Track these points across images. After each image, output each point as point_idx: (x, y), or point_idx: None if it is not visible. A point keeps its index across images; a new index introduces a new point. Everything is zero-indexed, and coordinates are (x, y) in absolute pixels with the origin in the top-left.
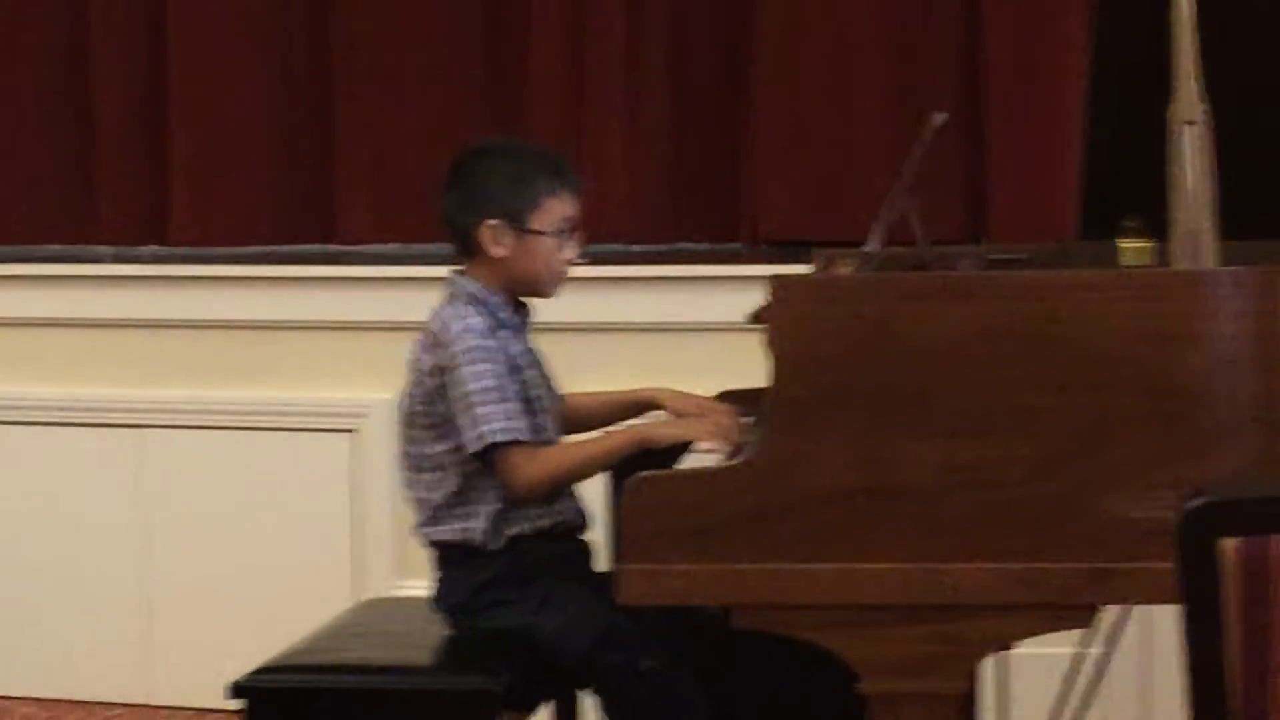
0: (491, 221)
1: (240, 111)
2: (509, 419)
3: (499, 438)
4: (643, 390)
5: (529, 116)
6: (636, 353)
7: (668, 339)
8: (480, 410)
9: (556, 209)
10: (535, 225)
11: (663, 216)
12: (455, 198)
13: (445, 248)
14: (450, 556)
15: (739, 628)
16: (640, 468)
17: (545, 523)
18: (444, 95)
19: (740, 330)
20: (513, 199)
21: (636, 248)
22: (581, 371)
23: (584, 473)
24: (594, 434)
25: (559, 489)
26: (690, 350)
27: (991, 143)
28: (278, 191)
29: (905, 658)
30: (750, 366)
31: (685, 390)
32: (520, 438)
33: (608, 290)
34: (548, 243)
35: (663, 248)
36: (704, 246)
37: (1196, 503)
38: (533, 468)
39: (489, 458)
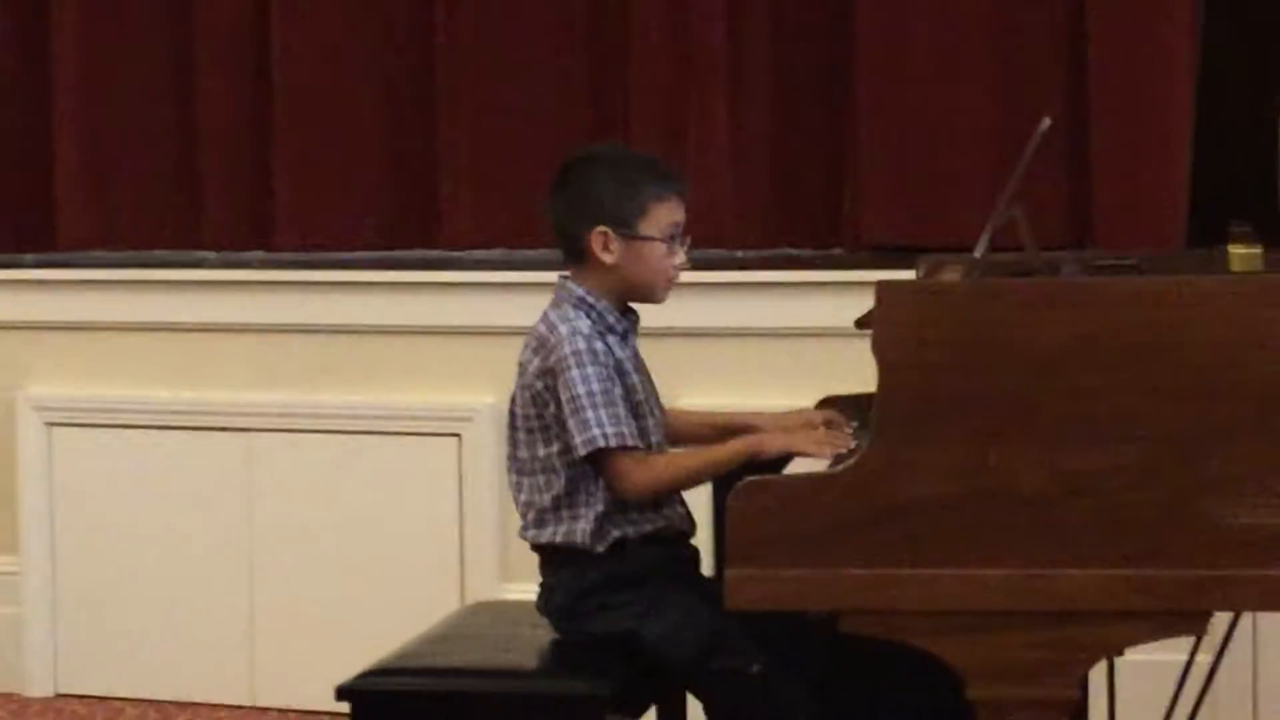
0: (600, 228)
1: (344, 117)
2: (617, 424)
3: (608, 442)
4: (745, 418)
5: (632, 123)
6: (740, 357)
7: (771, 344)
8: (589, 414)
9: (664, 214)
10: (644, 231)
11: (766, 222)
12: (563, 204)
13: (548, 253)
14: (556, 560)
15: (846, 632)
16: (745, 475)
17: (651, 527)
18: (547, 101)
19: (843, 335)
20: (621, 205)
21: (739, 253)
22: (684, 376)
23: (691, 482)
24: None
25: (659, 495)
26: (794, 355)
27: (1095, 149)
28: (381, 197)
29: (1014, 664)
30: (853, 371)
31: (791, 402)
32: (628, 443)
33: (710, 295)
34: (657, 248)
35: (765, 253)
36: (807, 252)
37: None
38: (640, 474)
39: (597, 461)
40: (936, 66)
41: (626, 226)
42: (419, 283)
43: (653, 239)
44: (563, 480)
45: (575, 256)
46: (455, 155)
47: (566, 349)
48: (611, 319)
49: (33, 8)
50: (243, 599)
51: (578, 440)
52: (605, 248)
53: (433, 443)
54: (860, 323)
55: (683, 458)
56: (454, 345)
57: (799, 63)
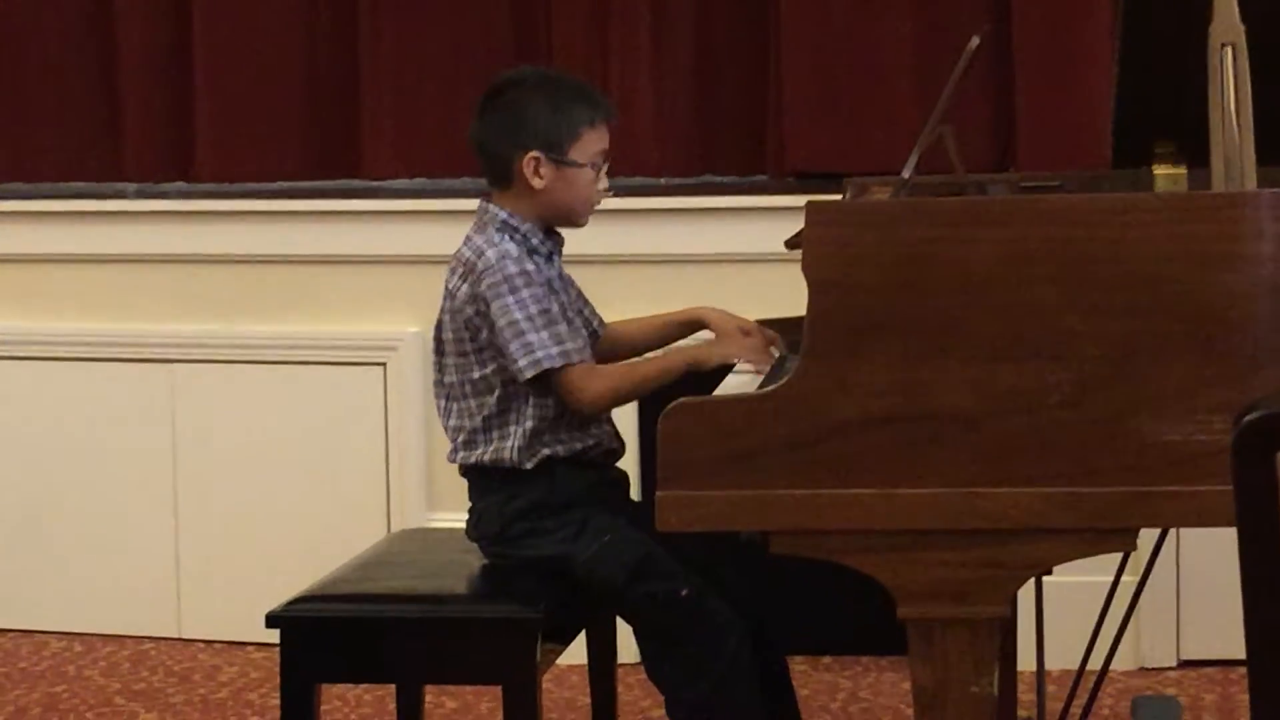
0: (533, 153)
1: (264, 47)
2: (560, 342)
3: (554, 363)
4: (687, 310)
5: (554, 50)
6: (664, 284)
7: (695, 270)
8: (532, 336)
9: (594, 141)
10: (574, 157)
11: (689, 149)
12: (492, 126)
13: (470, 182)
14: (485, 483)
15: (777, 553)
16: (682, 392)
17: (580, 445)
18: (468, 30)
19: (768, 260)
20: (553, 130)
21: (663, 180)
22: (608, 303)
23: (640, 391)
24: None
25: (615, 406)
26: (718, 281)
27: (1018, 70)
28: (302, 127)
29: (943, 583)
30: (778, 296)
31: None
32: (573, 359)
33: (635, 222)
34: (586, 174)
35: (689, 180)
36: (730, 179)
37: (1254, 416)
38: (594, 384)
39: (546, 381)
40: None
41: (558, 152)
42: (341, 211)
43: (582, 165)
44: (495, 399)
45: (501, 180)
46: (377, 84)
47: (499, 274)
48: (535, 240)
49: None
50: (167, 531)
51: (522, 363)
52: (536, 172)
53: (358, 372)
54: (790, 243)
55: (631, 367)
56: (378, 274)
57: None
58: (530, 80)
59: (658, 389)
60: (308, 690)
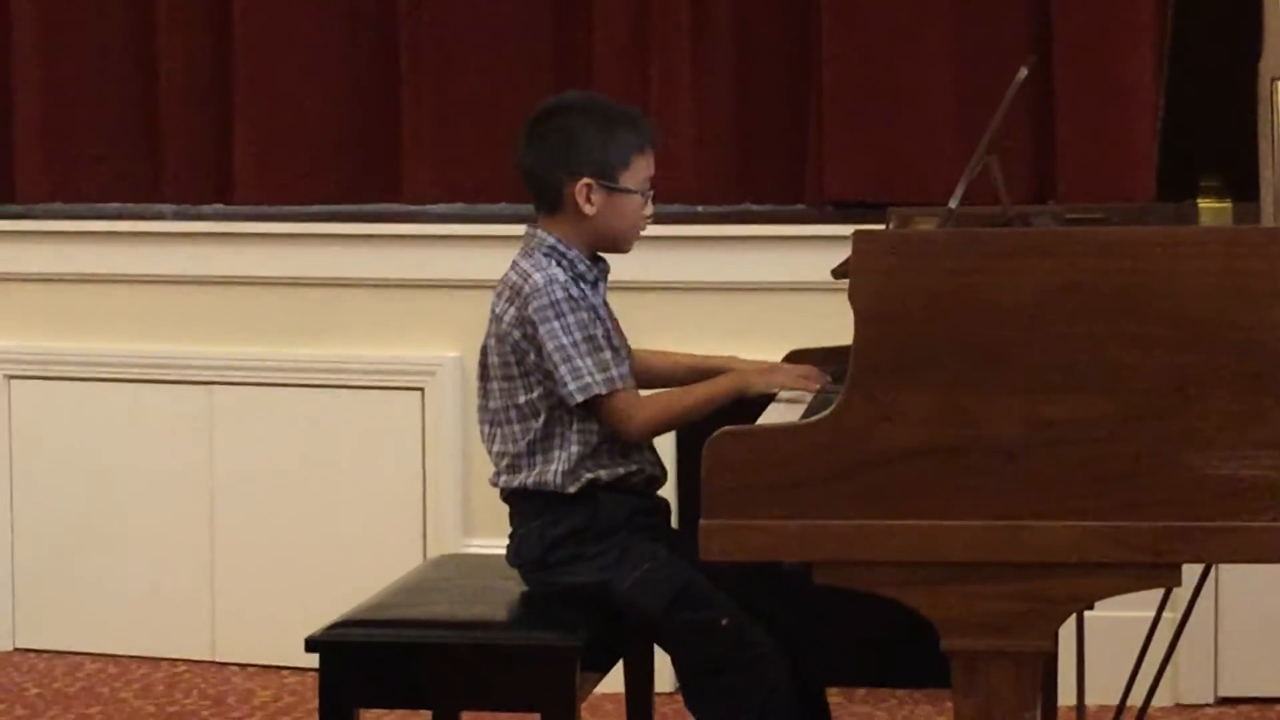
0: (585, 179)
1: (304, 69)
2: (605, 369)
3: (602, 389)
4: (717, 359)
5: (594, 78)
6: (702, 312)
7: (733, 298)
8: (579, 362)
9: (643, 167)
10: (625, 184)
11: (728, 178)
12: (541, 152)
13: (509, 207)
14: (527, 508)
15: (820, 584)
16: (725, 421)
17: (622, 470)
18: (509, 57)
19: (806, 289)
20: (605, 157)
21: (701, 209)
22: (645, 330)
23: (686, 419)
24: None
25: (660, 433)
26: (756, 309)
27: (1059, 103)
28: (342, 151)
29: (988, 616)
30: (816, 325)
31: (754, 357)
32: (617, 386)
33: (673, 249)
34: (635, 200)
35: (728, 209)
36: (769, 207)
37: None
38: (640, 411)
39: (591, 407)
40: (900, 20)
41: (610, 179)
42: (380, 235)
43: (633, 192)
44: (540, 423)
45: (550, 205)
46: (417, 108)
47: (545, 299)
48: (582, 267)
49: None
50: (203, 553)
51: (572, 388)
52: (588, 199)
53: (396, 396)
54: (837, 272)
55: (677, 394)
56: (417, 299)
57: (762, 16)
58: (580, 106)
59: (702, 416)
60: (346, 715)
